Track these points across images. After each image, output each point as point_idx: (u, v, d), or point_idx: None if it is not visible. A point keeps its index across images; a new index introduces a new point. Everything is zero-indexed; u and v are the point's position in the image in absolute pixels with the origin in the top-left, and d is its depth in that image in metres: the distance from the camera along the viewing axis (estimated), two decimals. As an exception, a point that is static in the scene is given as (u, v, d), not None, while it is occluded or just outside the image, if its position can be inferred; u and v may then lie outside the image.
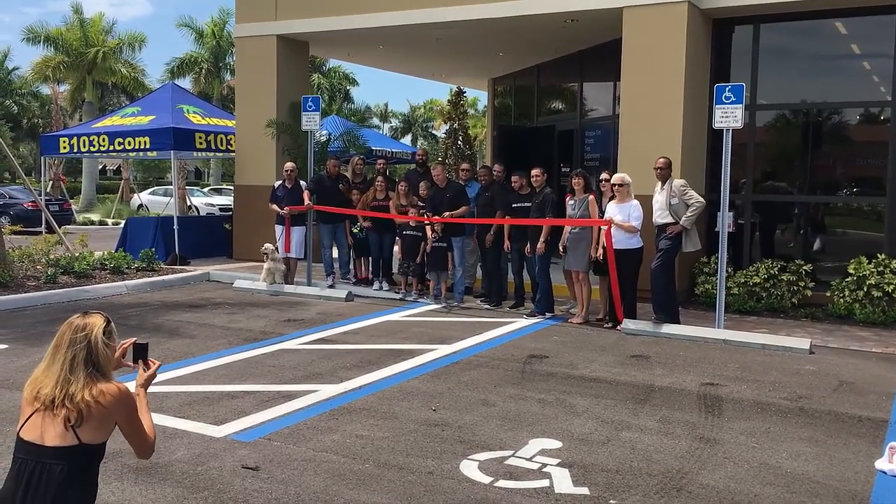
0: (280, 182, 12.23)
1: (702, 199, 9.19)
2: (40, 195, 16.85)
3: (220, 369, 7.18)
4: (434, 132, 53.34)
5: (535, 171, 9.99)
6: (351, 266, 12.46)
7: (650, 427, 5.75)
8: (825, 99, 11.21)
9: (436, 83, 28.05)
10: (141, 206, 29.29)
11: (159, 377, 3.08)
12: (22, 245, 12.99)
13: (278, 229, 12.09)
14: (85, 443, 2.62)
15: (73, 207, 27.36)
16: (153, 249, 13.36)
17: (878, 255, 9.94)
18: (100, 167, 40.74)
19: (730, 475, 4.87)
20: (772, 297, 10.30)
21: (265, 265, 11.78)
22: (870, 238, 10.82)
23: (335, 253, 12.29)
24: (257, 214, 13.48)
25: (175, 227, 14.03)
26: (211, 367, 7.26)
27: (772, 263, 10.43)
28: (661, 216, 9.18)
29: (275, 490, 4.50)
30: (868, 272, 9.76)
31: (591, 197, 9.61)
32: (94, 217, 27.34)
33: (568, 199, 9.92)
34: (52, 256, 12.48)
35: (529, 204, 10.02)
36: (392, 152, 19.41)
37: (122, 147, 14.50)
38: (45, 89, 41.23)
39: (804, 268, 10.27)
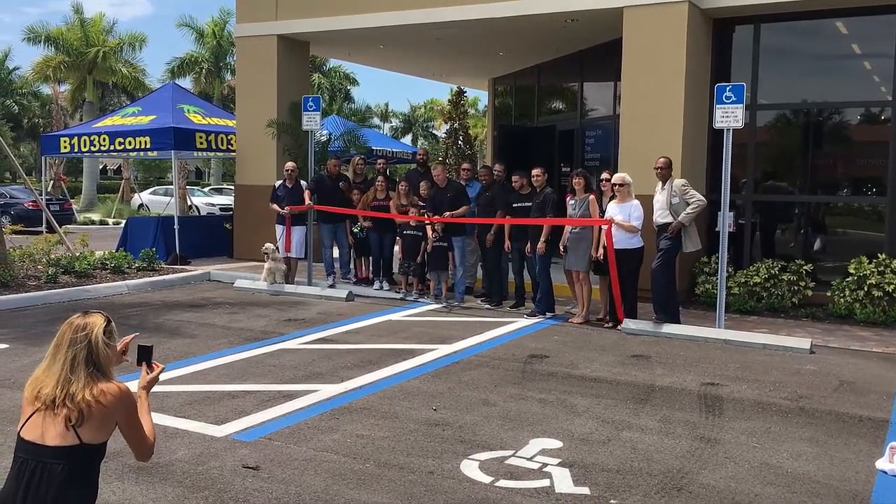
0: (281, 182, 12.24)
1: (703, 198, 9.19)
2: (41, 195, 16.85)
3: (220, 369, 7.19)
4: (434, 132, 53.34)
5: (535, 171, 9.99)
6: (351, 266, 12.46)
7: (651, 427, 5.75)
8: (826, 99, 11.21)
9: (436, 83, 28.04)
10: (141, 205, 29.29)
11: (160, 377, 3.07)
12: (23, 245, 13.00)
13: (279, 229, 12.09)
14: (86, 442, 2.62)
15: (74, 207, 27.37)
16: (154, 249, 13.36)
17: (879, 254, 9.94)
18: (100, 167, 40.72)
19: (730, 475, 4.87)
20: (772, 297, 10.30)
21: (266, 265, 11.78)
22: (870, 238, 10.82)
23: (336, 253, 12.29)
24: (258, 214, 13.49)
25: (176, 226, 14.03)
26: (211, 366, 7.26)
27: (772, 263, 10.43)
28: (661, 216, 9.18)
29: (275, 490, 4.50)
30: (868, 272, 9.76)
31: (592, 197, 9.61)
32: (95, 217, 27.35)
33: (568, 198, 9.92)
34: (52, 256, 12.48)
35: (530, 204, 10.02)
36: (392, 152, 19.42)
37: (122, 147, 14.50)
38: (46, 89, 41.24)
39: (805, 268, 10.27)
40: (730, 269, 10.02)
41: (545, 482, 4.69)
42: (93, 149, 14.97)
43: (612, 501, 4.45)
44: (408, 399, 6.32)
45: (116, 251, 13.64)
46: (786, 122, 11.64)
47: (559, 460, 5.03)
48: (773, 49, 11.20)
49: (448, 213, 10.64)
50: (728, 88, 8.80)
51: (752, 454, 5.23)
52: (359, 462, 4.95)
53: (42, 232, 14.76)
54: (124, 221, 16.74)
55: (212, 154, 16.60)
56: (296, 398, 6.26)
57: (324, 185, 11.80)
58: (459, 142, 21.20)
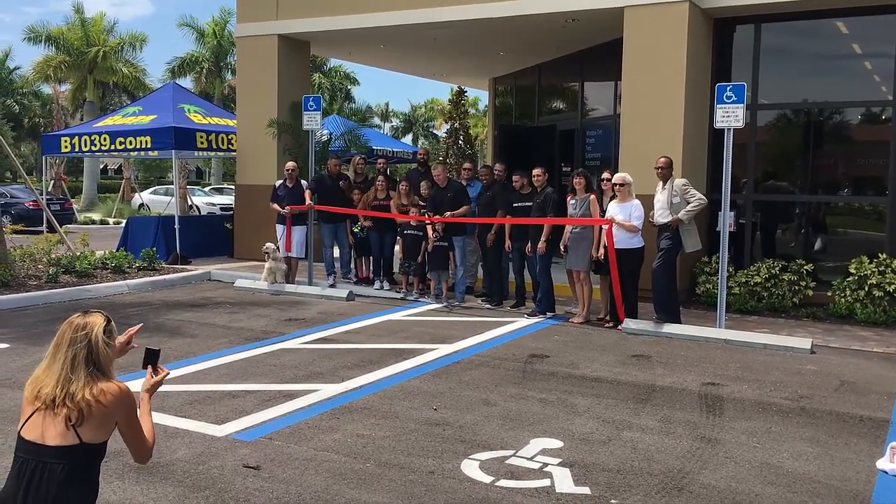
0: (281, 181, 12.24)
1: (703, 197, 9.18)
2: (41, 194, 16.86)
3: (221, 368, 7.19)
4: (435, 132, 53.34)
5: (536, 171, 9.99)
6: (352, 265, 12.46)
7: (651, 427, 5.75)
8: (826, 98, 11.20)
9: (437, 83, 28.05)
10: (142, 205, 29.30)
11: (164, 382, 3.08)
12: (23, 244, 13.01)
13: (279, 229, 12.09)
14: (86, 442, 2.62)
15: (75, 207, 27.37)
16: (154, 249, 13.37)
17: (880, 254, 9.94)
18: (101, 166, 40.71)
19: (731, 475, 4.87)
20: (773, 297, 10.29)
21: (266, 264, 11.78)
22: (871, 238, 10.82)
23: (336, 252, 12.29)
24: (258, 214, 13.49)
25: (176, 226, 14.03)
26: (212, 366, 7.26)
27: (773, 263, 10.42)
28: (662, 216, 9.18)
29: (276, 489, 4.50)
30: (869, 272, 9.75)
31: (593, 196, 9.61)
32: (96, 216, 27.35)
33: (569, 198, 9.91)
34: (53, 256, 12.49)
35: (530, 203, 10.01)
36: (393, 152, 19.43)
37: (123, 146, 14.50)
38: (47, 89, 41.24)
39: (805, 267, 10.27)
40: (730, 269, 10.02)
41: (546, 482, 4.69)
42: (93, 148, 14.97)
43: (612, 501, 4.44)
44: (408, 399, 6.32)
45: (117, 251, 13.64)
46: (786, 122, 11.64)
47: (560, 460, 5.03)
48: (774, 49, 11.19)
49: (449, 213, 10.64)
50: (729, 88, 8.80)
51: (752, 454, 5.23)
52: (359, 462, 4.95)
53: (43, 231, 14.77)
54: (125, 221, 16.74)
55: (212, 154, 16.61)
56: (296, 398, 6.26)
57: (324, 185, 11.79)
58: (460, 141, 21.18)
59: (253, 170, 14.45)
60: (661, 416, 6.02)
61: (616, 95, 13.10)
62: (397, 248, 11.61)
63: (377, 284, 11.76)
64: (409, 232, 11.05)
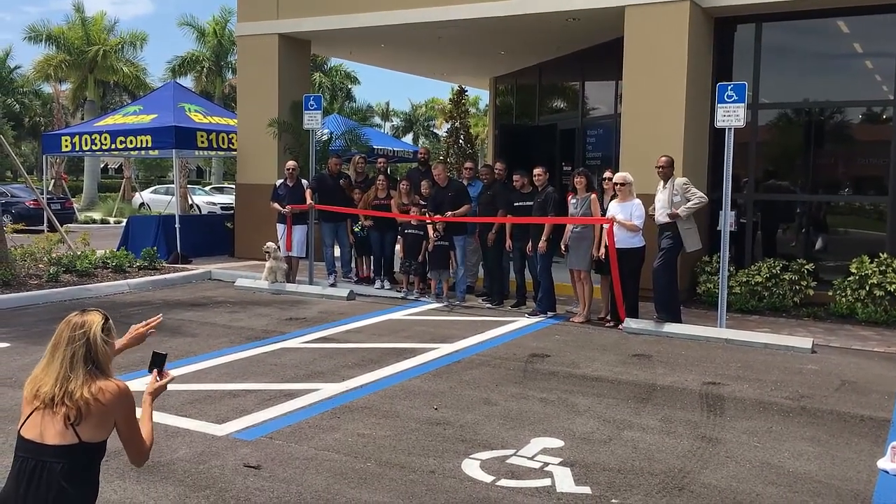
0: (282, 181, 12.24)
1: (704, 196, 9.18)
2: (42, 194, 16.86)
3: (221, 368, 7.19)
4: (435, 131, 53.31)
5: (537, 171, 9.99)
6: (353, 265, 12.46)
7: (652, 426, 5.75)
8: (827, 98, 11.20)
9: (437, 82, 28.05)
10: (143, 204, 29.30)
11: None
12: (24, 243, 13.01)
13: (280, 228, 12.09)
14: (85, 441, 2.61)
15: (75, 206, 27.38)
16: (155, 248, 13.37)
17: (881, 254, 9.93)
18: (101, 166, 40.71)
19: (732, 474, 4.86)
20: (774, 297, 10.29)
21: (267, 264, 11.78)
22: (872, 237, 10.81)
23: (337, 251, 12.29)
24: (259, 213, 13.49)
25: (177, 225, 14.03)
26: (212, 365, 7.26)
27: (774, 262, 10.42)
28: (663, 215, 9.17)
29: (276, 489, 4.50)
30: (870, 271, 9.75)
31: (593, 196, 9.60)
32: (96, 216, 27.36)
33: (570, 197, 9.91)
34: (53, 255, 12.50)
35: (531, 203, 10.01)
36: (394, 151, 19.42)
37: (123, 146, 14.50)
38: (47, 88, 41.24)
39: (806, 267, 10.26)
40: (731, 269, 10.01)
41: (546, 481, 4.68)
42: (94, 148, 14.97)
43: (613, 501, 4.44)
44: (409, 398, 6.32)
45: (118, 250, 13.65)
46: (787, 122, 11.63)
47: (560, 459, 5.03)
48: (775, 48, 11.19)
49: (450, 213, 10.63)
50: (730, 87, 8.79)
51: (753, 454, 5.23)
52: (360, 461, 4.95)
53: (43, 231, 14.77)
54: (125, 220, 16.75)
55: (213, 153, 16.60)
56: (297, 397, 6.26)
57: (325, 184, 11.79)
58: (461, 141, 21.21)
59: (253, 169, 14.45)
60: (662, 415, 6.01)
61: (617, 95, 13.09)
62: (398, 247, 11.61)
63: (378, 284, 11.76)
64: (409, 231, 11.05)
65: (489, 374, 7.11)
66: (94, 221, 25.50)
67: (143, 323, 3.22)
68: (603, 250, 9.23)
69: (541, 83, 16.73)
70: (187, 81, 35.13)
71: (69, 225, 21.15)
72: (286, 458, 4.98)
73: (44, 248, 12.58)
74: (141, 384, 5.48)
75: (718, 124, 8.90)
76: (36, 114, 44.88)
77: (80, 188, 35.89)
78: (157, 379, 2.97)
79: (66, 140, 15.35)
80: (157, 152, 16.62)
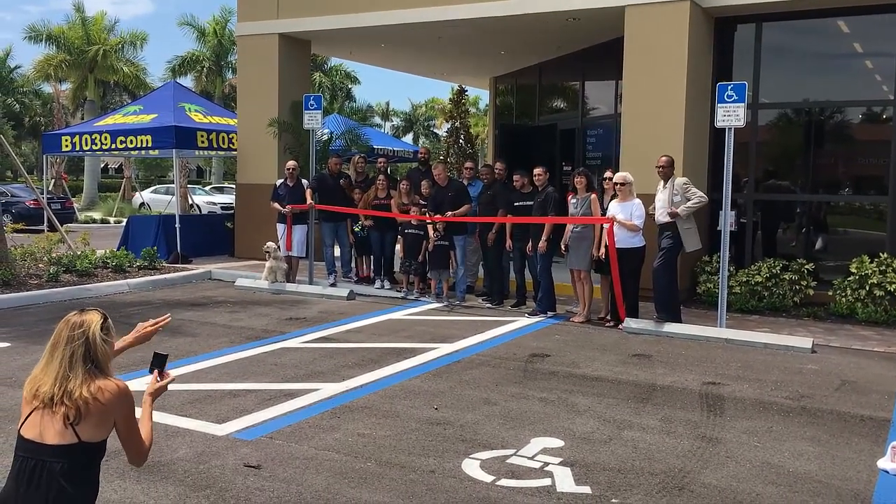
0: (282, 180, 12.25)
1: (704, 196, 9.18)
2: (42, 193, 16.85)
3: (221, 367, 7.19)
4: (436, 131, 53.31)
5: (537, 170, 9.99)
6: (353, 265, 12.46)
7: (652, 426, 5.75)
8: (827, 98, 11.20)
9: (437, 82, 28.06)
10: (143, 204, 29.30)
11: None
12: (24, 243, 13.01)
13: (280, 228, 12.10)
14: (84, 441, 2.61)
15: (75, 206, 27.38)
16: (155, 248, 13.37)
17: (881, 254, 9.93)
18: (102, 165, 40.71)
19: (732, 474, 4.86)
20: (774, 296, 10.29)
21: (267, 264, 11.78)
22: (872, 237, 10.81)
23: (337, 251, 12.29)
24: (259, 213, 13.49)
25: (177, 225, 14.03)
26: (213, 365, 7.26)
27: (774, 262, 10.42)
28: (663, 215, 9.17)
29: (276, 488, 4.50)
30: (870, 271, 9.75)
31: (594, 196, 9.61)
32: (96, 215, 27.35)
33: (570, 197, 9.91)
34: (54, 255, 12.50)
35: (531, 203, 10.01)
36: (394, 151, 19.43)
37: (123, 145, 14.50)
38: (47, 88, 41.23)
39: (806, 267, 10.26)
40: (731, 269, 10.01)
41: (547, 481, 4.68)
42: (94, 147, 14.97)
43: (613, 500, 4.44)
44: (409, 398, 6.32)
45: (118, 250, 13.65)
46: (787, 121, 11.63)
47: (560, 459, 5.03)
48: (775, 48, 11.19)
49: (450, 213, 10.63)
50: (730, 87, 8.79)
51: (753, 453, 5.23)
52: (360, 461, 4.95)
53: (43, 230, 14.77)
54: (125, 220, 16.74)
55: (213, 153, 16.60)
56: (297, 397, 6.26)
57: (325, 184, 11.79)
58: (461, 141, 21.21)
59: (254, 169, 14.45)
60: (662, 415, 6.02)
61: (617, 95, 13.09)
62: (398, 247, 11.61)
63: (378, 283, 11.76)
64: (409, 231, 11.05)
65: (489, 374, 7.11)
66: (94, 221, 25.50)
67: (152, 321, 3.22)
68: (603, 250, 9.24)
69: (541, 83, 16.72)
70: (187, 81, 35.15)
71: (69, 225, 21.14)
72: (286, 457, 4.98)
73: (44, 248, 12.58)
74: (141, 384, 5.48)
75: (718, 124, 8.90)
76: (36, 113, 44.88)
77: (80, 188, 35.89)
78: (158, 379, 2.97)
79: (66, 140, 15.35)
80: (157, 152, 16.62)
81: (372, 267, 12.14)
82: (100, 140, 14.71)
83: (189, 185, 27.00)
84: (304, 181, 12.03)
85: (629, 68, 11.01)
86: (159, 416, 5.47)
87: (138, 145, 14.38)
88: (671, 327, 9.00)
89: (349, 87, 43.06)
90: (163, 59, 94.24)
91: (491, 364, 7.50)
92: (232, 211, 16.73)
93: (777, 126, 11.67)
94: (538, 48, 14.66)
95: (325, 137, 15.24)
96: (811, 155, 11.31)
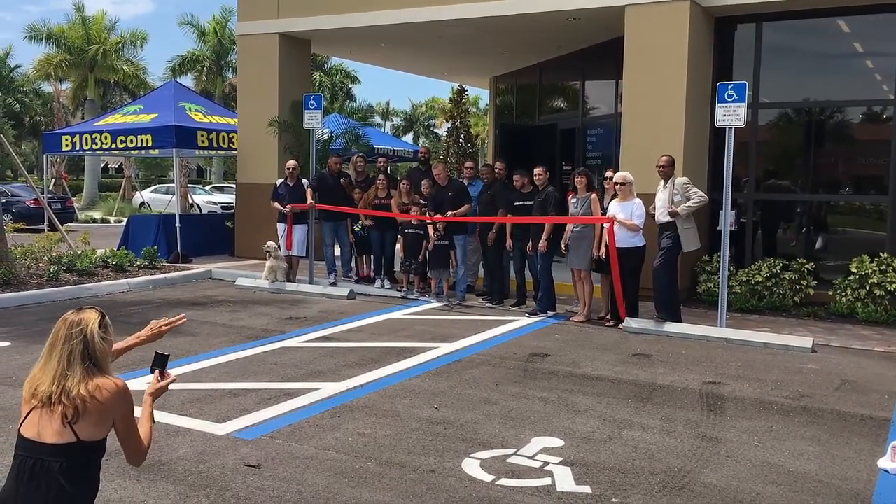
0: (282, 180, 12.25)
1: (704, 195, 9.18)
2: (42, 193, 16.85)
3: (221, 367, 7.19)
4: (436, 130, 53.29)
5: (538, 170, 9.98)
6: (353, 264, 12.46)
7: (652, 426, 5.75)
8: (828, 97, 11.20)
9: (438, 81, 28.06)
10: (143, 203, 29.28)
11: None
12: (24, 243, 13.01)
13: (280, 227, 12.10)
14: (83, 439, 2.61)
15: (76, 205, 27.38)
16: (155, 247, 13.37)
17: (881, 253, 9.93)
18: (102, 165, 40.71)
19: (732, 474, 4.86)
20: (774, 296, 10.29)
21: (267, 263, 11.78)
22: (872, 237, 10.81)
23: (337, 251, 12.29)
24: (259, 212, 13.49)
25: (177, 224, 14.04)
26: (213, 364, 7.26)
27: (774, 262, 10.42)
28: (663, 214, 9.17)
29: (277, 488, 4.50)
30: (870, 271, 9.75)
31: (594, 195, 9.61)
32: (97, 215, 27.34)
33: (570, 197, 9.91)
34: (54, 254, 12.49)
35: (532, 202, 10.01)
36: (394, 150, 19.42)
37: (124, 145, 14.50)
38: (48, 87, 41.22)
39: (806, 266, 10.26)
40: (731, 268, 10.00)
41: (547, 481, 4.68)
42: (94, 147, 14.97)
43: (613, 500, 4.44)
44: (409, 397, 6.32)
45: (118, 249, 13.65)
46: (788, 121, 11.63)
47: (561, 459, 5.03)
48: (775, 47, 11.18)
49: (450, 213, 10.63)
50: (730, 87, 8.79)
51: (753, 453, 5.23)
52: (360, 460, 4.95)
53: (44, 230, 14.76)
54: (126, 220, 16.75)
55: (213, 152, 16.60)
56: (297, 396, 6.26)
57: (325, 183, 11.79)
58: (461, 140, 21.20)
59: (254, 168, 14.45)
60: (662, 414, 6.02)
61: (617, 94, 13.09)
62: (398, 246, 11.61)
63: (378, 283, 11.76)
64: (410, 231, 11.05)
65: (489, 374, 7.11)
66: (94, 221, 25.48)
67: (166, 320, 3.21)
68: (603, 250, 9.24)
69: (541, 83, 16.72)
70: (187, 81, 35.15)
71: (69, 224, 21.12)
72: (286, 457, 4.98)
73: (44, 248, 12.58)
74: (141, 383, 5.47)
75: (719, 124, 8.90)
76: (36, 113, 44.87)
77: (80, 187, 35.89)
78: (159, 379, 2.97)
79: (66, 139, 15.35)
80: (157, 151, 16.63)
81: (372, 266, 12.14)
82: (100, 139, 14.71)
83: (189, 185, 26.98)
84: (305, 181, 12.02)
85: (629, 68, 11.01)
86: (159, 416, 5.47)
87: (138, 145, 14.38)
88: (671, 327, 9.00)
89: (349, 86, 43.07)
90: (163, 59, 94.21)
91: (491, 363, 7.50)
92: (232, 210, 16.73)
93: (777, 126, 11.67)
94: (538, 48, 14.66)
95: (326, 137, 15.24)
96: (811, 154, 11.31)
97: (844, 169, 11.31)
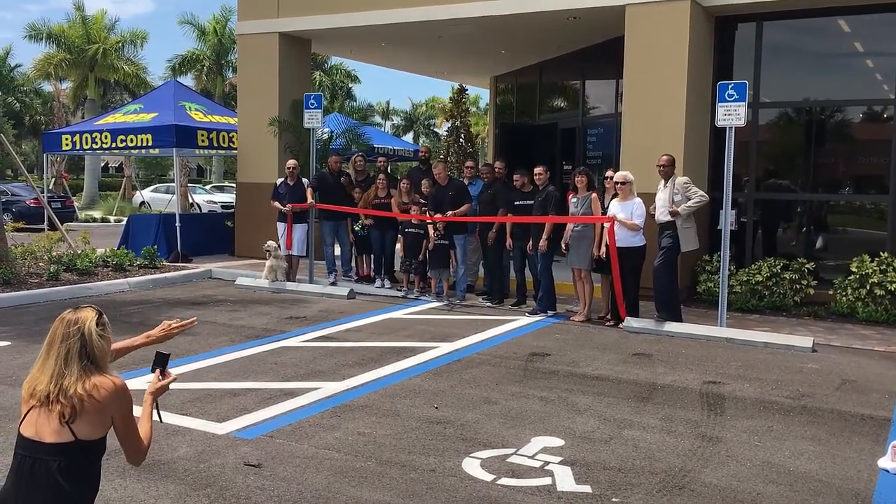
0: (282, 179, 12.25)
1: (705, 195, 9.17)
2: (43, 192, 16.86)
3: (222, 367, 7.19)
4: (436, 130, 53.28)
5: (538, 169, 9.98)
6: (353, 264, 12.46)
7: (652, 425, 5.74)
8: (828, 97, 11.19)
9: (438, 81, 28.06)
10: (143, 203, 29.28)
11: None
12: (24, 242, 13.01)
13: (280, 227, 12.09)
14: (81, 438, 2.60)
15: (76, 204, 27.37)
16: (155, 247, 13.37)
17: (881, 253, 9.93)
18: (102, 164, 40.71)
19: (732, 473, 4.86)
20: (774, 296, 10.28)
21: (267, 262, 11.78)
22: (872, 236, 10.81)
23: (337, 250, 12.29)
24: (259, 212, 13.49)
25: (177, 224, 14.04)
26: (213, 364, 7.26)
27: (774, 261, 10.41)
28: (663, 214, 9.17)
29: (277, 487, 4.50)
30: (871, 270, 9.74)
31: (594, 195, 9.60)
32: (97, 214, 27.35)
33: (570, 196, 9.91)
34: (54, 253, 12.49)
35: (532, 202, 10.01)
36: (394, 150, 19.42)
37: (124, 144, 14.50)
38: (48, 86, 41.20)
39: (807, 266, 10.26)
40: (732, 268, 10.00)
41: (547, 480, 4.68)
42: (94, 146, 14.97)
43: (613, 500, 4.44)
44: (409, 397, 6.32)
45: (118, 249, 13.64)
46: (788, 121, 11.63)
47: (561, 458, 5.03)
48: (776, 47, 11.18)
49: (450, 212, 10.63)
50: (730, 86, 8.79)
51: (753, 453, 5.23)
52: (360, 460, 4.95)
53: (44, 229, 14.76)
54: (126, 219, 16.74)
55: (213, 152, 16.61)
56: (297, 396, 6.26)
57: (325, 183, 11.79)
58: (461, 140, 21.20)
59: (254, 168, 14.45)
60: (663, 414, 6.01)
61: (617, 94, 13.08)
62: (398, 246, 11.61)
63: (378, 283, 11.76)
64: (410, 230, 11.05)
65: (489, 373, 7.11)
66: (94, 220, 25.48)
67: (178, 321, 3.21)
68: (603, 249, 9.23)
69: (541, 82, 16.72)
70: (188, 80, 35.13)
71: (69, 223, 21.11)
72: (286, 456, 4.98)
73: (44, 247, 12.58)
74: (140, 383, 5.47)
75: (719, 123, 8.89)
76: (36, 112, 44.87)
77: (80, 187, 35.88)
78: (160, 378, 2.96)
79: (66, 138, 15.35)
80: (157, 151, 16.60)
81: (372, 266, 12.13)
82: (100, 139, 14.71)
83: (189, 184, 26.98)
84: (305, 180, 12.02)
85: (630, 67, 11.01)
86: (155, 415, 5.46)
87: (138, 144, 14.37)
88: (671, 326, 9.00)
89: (349, 85, 43.05)
90: (163, 58, 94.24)
91: (491, 363, 7.49)
92: (232, 210, 16.73)
93: (777, 125, 11.66)
94: (539, 47, 14.66)
95: (326, 136, 15.23)
96: (812, 154, 11.30)
97: (845, 168, 11.31)
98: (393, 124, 57.45)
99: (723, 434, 5.59)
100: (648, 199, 9.34)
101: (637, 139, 10.83)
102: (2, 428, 5.35)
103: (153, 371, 2.97)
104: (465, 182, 11.36)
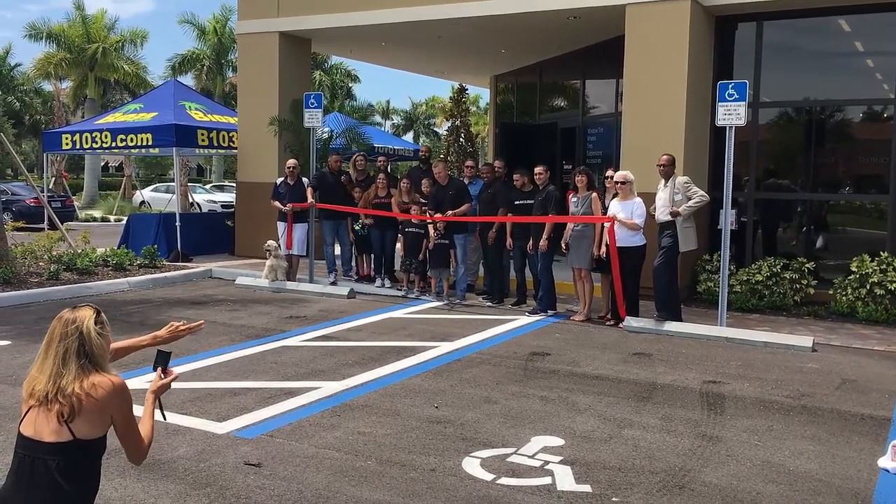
0: (282, 179, 12.25)
1: (705, 195, 9.17)
2: (43, 192, 16.85)
3: (222, 366, 7.19)
4: (436, 129, 53.27)
5: (538, 169, 9.98)
6: (353, 263, 12.46)
7: (652, 425, 5.75)
8: (828, 96, 11.19)
9: (438, 80, 28.05)
10: (143, 202, 29.26)
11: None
12: (24, 241, 13.00)
13: (280, 226, 12.09)
14: (79, 438, 2.59)
15: (76, 204, 27.37)
16: (155, 246, 13.37)
17: (881, 253, 9.93)
18: (102, 164, 40.71)
19: (732, 473, 4.86)
20: (774, 295, 10.28)
21: (267, 262, 11.78)
22: (872, 236, 10.81)
23: (337, 250, 12.29)
24: (259, 211, 13.49)
25: (177, 223, 14.04)
26: (213, 363, 7.26)
27: (774, 261, 10.41)
28: (663, 213, 9.17)
29: (277, 487, 4.50)
30: (871, 270, 9.74)
31: (594, 194, 9.60)
32: (97, 214, 27.34)
33: (571, 196, 9.91)
34: (54, 253, 12.49)
35: (532, 201, 10.01)
36: (394, 149, 19.41)
37: (124, 144, 14.50)
38: (48, 86, 41.22)
39: (807, 265, 10.26)
40: (732, 267, 10.00)
41: (547, 480, 4.68)
42: (94, 146, 14.97)
43: (613, 499, 4.44)
44: (409, 396, 6.32)
45: (118, 248, 13.65)
46: (788, 120, 11.63)
47: (561, 458, 5.03)
48: (776, 47, 11.18)
49: (450, 212, 10.63)
50: (730, 86, 8.79)
51: (753, 452, 5.23)
52: (360, 459, 4.95)
53: (44, 229, 14.76)
54: (126, 218, 16.74)
55: (213, 151, 16.60)
56: (297, 395, 6.26)
57: (325, 182, 11.80)
58: (461, 139, 21.18)
59: (254, 167, 14.45)
60: (663, 414, 6.01)
61: (617, 93, 13.08)
62: (398, 245, 11.61)
63: (378, 282, 11.76)
64: (410, 230, 11.05)
65: (489, 373, 7.11)
66: (94, 219, 25.48)
67: (185, 323, 3.22)
68: (604, 249, 9.24)
69: (541, 81, 16.71)
70: (188, 79, 35.14)
71: (70, 223, 21.10)
72: (287, 456, 4.98)
73: (44, 246, 12.58)
74: (140, 382, 5.48)
75: (719, 123, 8.89)
76: (36, 112, 44.87)
77: (80, 186, 35.88)
78: (161, 377, 2.96)
79: (66, 138, 15.35)
80: (157, 150, 16.59)
81: (372, 265, 12.13)
82: (100, 138, 14.71)
83: (189, 184, 26.96)
84: (305, 179, 12.02)
85: (630, 67, 11.01)
86: (159, 414, 5.46)
87: (139, 143, 14.37)
88: (671, 326, 9.00)
89: (349, 85, 43.04)
90: (163, 58, 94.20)
91: (491, 363, 7.50)
92: (232, 209, 16.73)
93: (778, 125, 11.66)
94: (539, 47, 14.65)
95: (326, 136, 15.23)
96: (812, 154, 11.30)
97: (845, 168, 11.31)
98: (393, 124, 57.44)
99: (723, 433, 5.59)
100: (648, 198, 9.34)
101: (637, 139, 10.83)
102: (2, 427, 5.35)
103: (155, 369, 2.97)
104: (466, 181, 11.37)
